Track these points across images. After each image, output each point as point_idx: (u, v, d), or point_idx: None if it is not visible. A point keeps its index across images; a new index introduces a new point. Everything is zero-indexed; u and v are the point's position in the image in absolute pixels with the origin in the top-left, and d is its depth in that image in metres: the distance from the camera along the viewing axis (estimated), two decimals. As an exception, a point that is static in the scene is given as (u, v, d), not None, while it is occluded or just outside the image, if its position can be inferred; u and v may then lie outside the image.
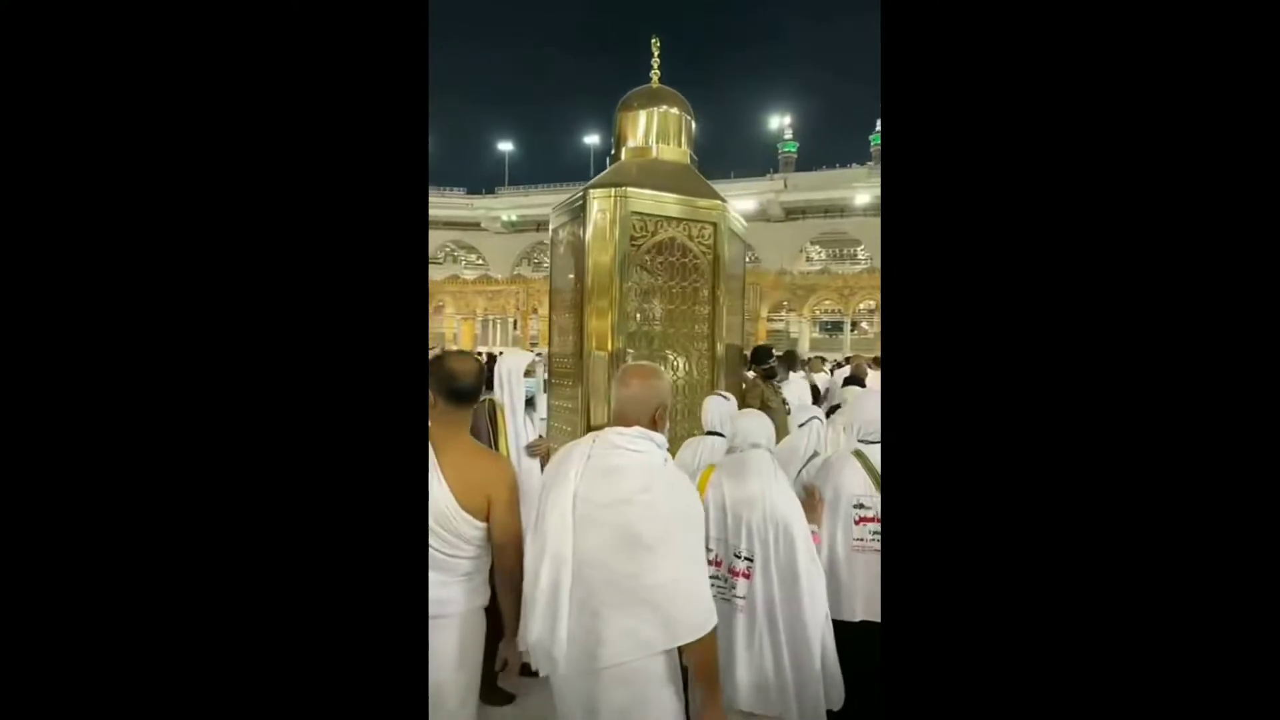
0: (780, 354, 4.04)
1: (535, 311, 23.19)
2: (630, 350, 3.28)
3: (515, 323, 23.93)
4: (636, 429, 1.38)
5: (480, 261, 32.57)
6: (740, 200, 37.21)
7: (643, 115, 3.26)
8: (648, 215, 2.93)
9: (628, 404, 1.41)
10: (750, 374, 3.93)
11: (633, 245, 2.90)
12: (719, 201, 3.10)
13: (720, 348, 3.12)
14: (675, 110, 3.29)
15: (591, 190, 2.92)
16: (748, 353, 3.97)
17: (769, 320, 28.58)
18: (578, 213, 2.96)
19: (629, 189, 2.88)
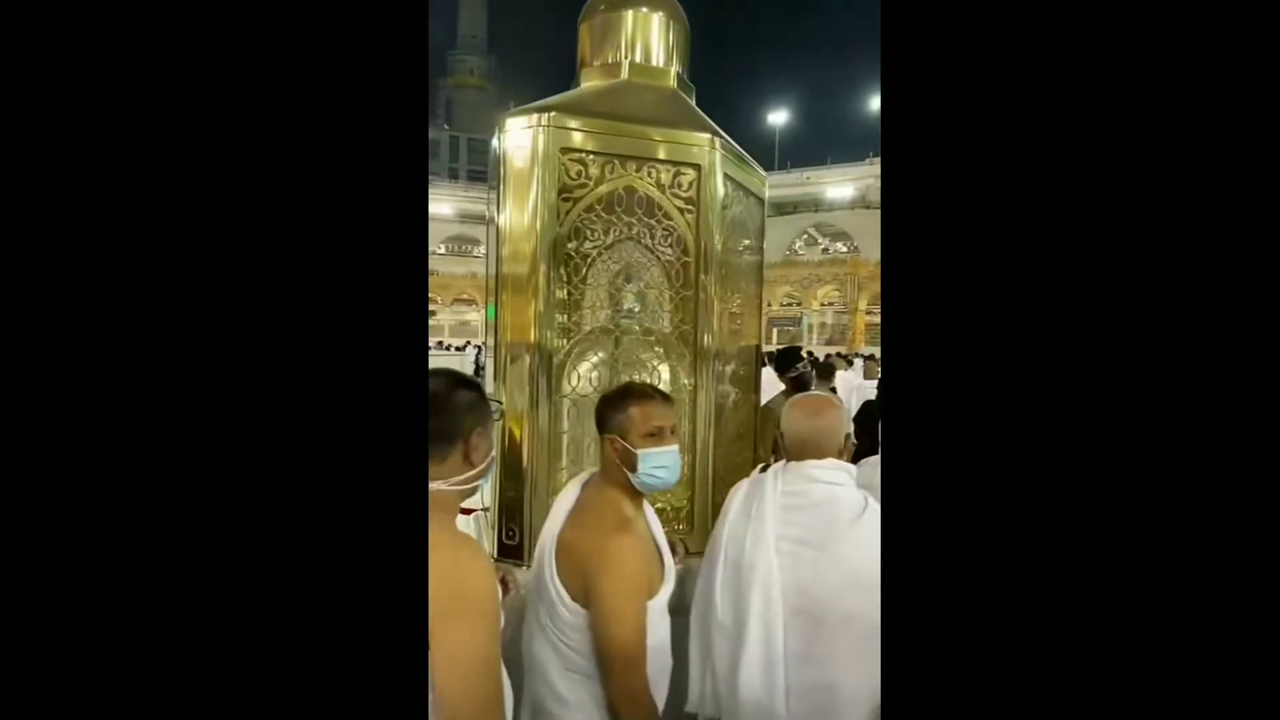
0: (817, 360, 2.98)
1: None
2: (601, 353, 2.37)
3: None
4: (831, 460, 1.32)
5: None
6: (838, 188, 34.79)
7: (610, 21, 2.31)
8: (588, 154, 1.99)
9: (822, 435, 1.34)
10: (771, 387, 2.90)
11: (567, 198, 1.97)
12: (706, 136, 2.10)
13: (709, 341, 2.13)
14: (658, 13, 2.32)
15: (507, 118, 2.01)
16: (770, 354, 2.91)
17: (867, 314, 26.42)
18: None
19: (557, 113, 1.95)
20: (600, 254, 2.19)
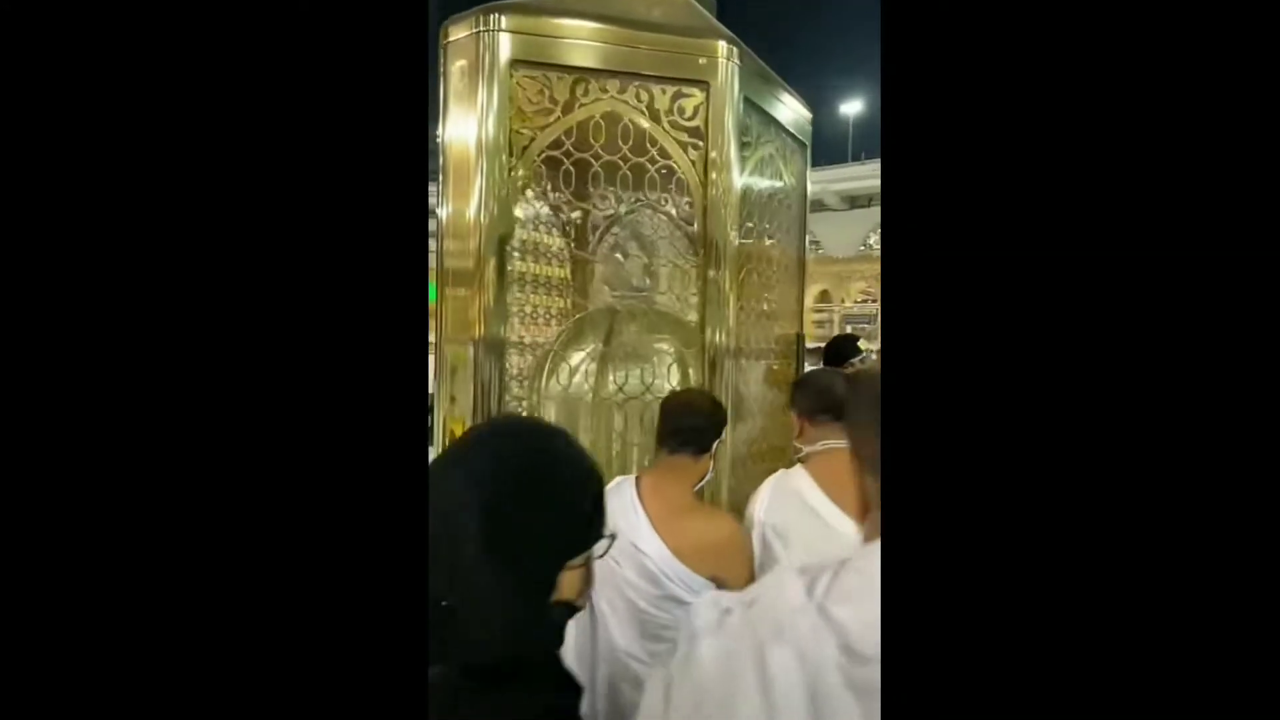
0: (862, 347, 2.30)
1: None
2: (591, 344, 1.88)
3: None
4: None
5: (814, 242, 30.60)
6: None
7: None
8: (552, 69, 1.47)
9: None
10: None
11: (525, 128, 1.46)
12: (718, 43, 1.54)
13: (723, 339, 1.57)
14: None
15: (449, 25, 1.52)
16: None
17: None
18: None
19: (509, 14, 1.44)
20: (578, 211, 1.67)
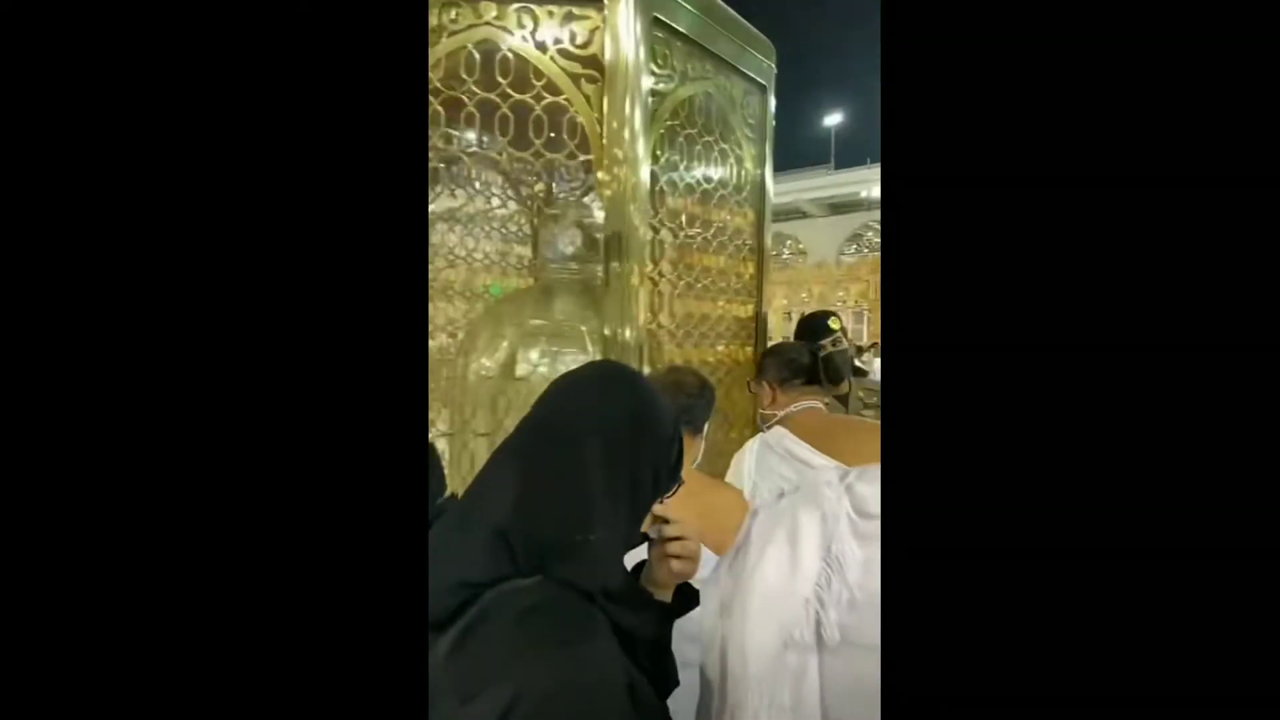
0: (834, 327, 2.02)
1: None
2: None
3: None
4: None
5: (802, 248, 30.39)
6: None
7: None
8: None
9: None
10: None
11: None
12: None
13: (630, 334, 1.27)
14: None
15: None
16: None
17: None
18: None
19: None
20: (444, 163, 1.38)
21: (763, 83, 1.70)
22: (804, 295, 20.84)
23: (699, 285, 1.53)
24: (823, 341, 1.92)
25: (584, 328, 1.43)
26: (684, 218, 1.50)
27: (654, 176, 1.33)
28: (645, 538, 0.69)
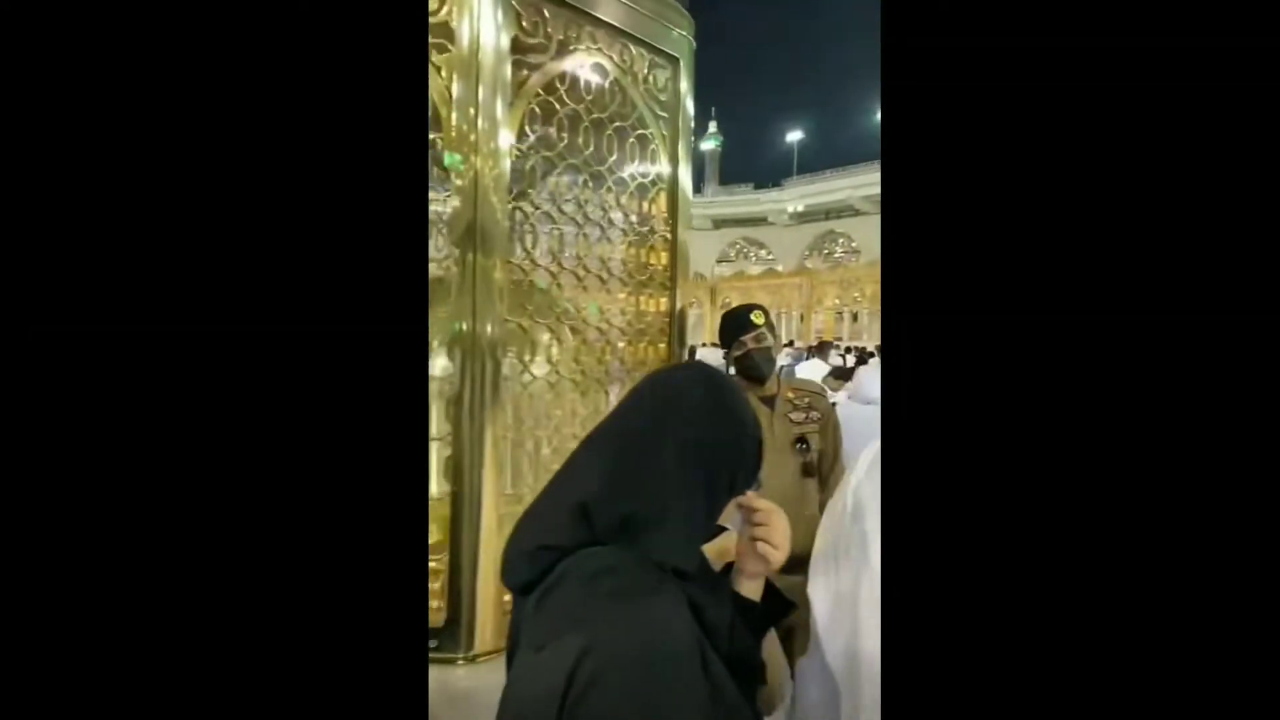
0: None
1: (820, 304, 21.86)
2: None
3: (801, 316, 21.89)
4: None
5: (770, 256, 31.17)
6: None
7: None
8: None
9: None
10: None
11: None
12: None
13: (491, 329, 1.16)
14: None
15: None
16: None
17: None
18: None
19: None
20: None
21: (674, 54, 1.59)
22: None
23: (588, 276, 1.41)
24: (743, 338, 1.79)
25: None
26: (571, 204, 1.39)
27: (523, 157, 1.22)
28: (721, 529, 0.71)
